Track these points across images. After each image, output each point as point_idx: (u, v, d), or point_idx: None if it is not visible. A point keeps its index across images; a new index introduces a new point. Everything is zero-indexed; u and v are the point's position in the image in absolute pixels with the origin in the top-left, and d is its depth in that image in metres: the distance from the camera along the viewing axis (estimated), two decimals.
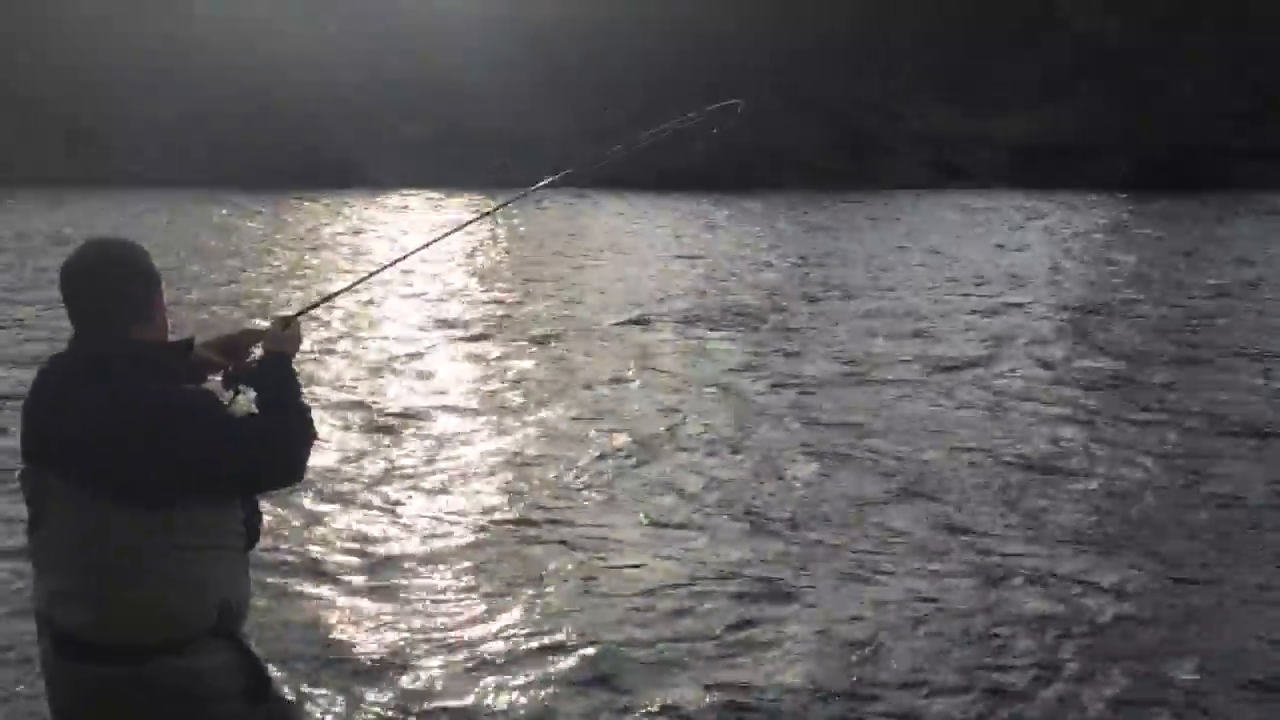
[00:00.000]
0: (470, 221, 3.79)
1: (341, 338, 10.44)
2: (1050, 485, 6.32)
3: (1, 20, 32.17)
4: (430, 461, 6.77)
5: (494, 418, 7.67)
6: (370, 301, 12.24)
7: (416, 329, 10.89)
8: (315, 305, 3.05)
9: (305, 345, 2.74)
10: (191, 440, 2.21)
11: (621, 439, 7.16)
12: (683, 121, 3.74)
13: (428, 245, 3.47)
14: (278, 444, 2.35)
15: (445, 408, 7.96)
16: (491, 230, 20.21)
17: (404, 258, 3.48)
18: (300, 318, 2.61)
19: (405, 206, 24.63)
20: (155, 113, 29.70)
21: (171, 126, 29.58)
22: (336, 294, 3.35)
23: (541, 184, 3.65)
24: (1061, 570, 5.11)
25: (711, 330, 10.90)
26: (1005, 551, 5.33)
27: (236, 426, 2.32)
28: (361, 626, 4.55)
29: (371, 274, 3.34)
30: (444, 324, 11.12)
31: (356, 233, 19.72)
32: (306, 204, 24.02)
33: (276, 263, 15.38)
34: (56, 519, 2.24)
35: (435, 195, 27.04)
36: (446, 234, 3.50)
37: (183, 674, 2.28)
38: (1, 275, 14.20)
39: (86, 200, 23.85)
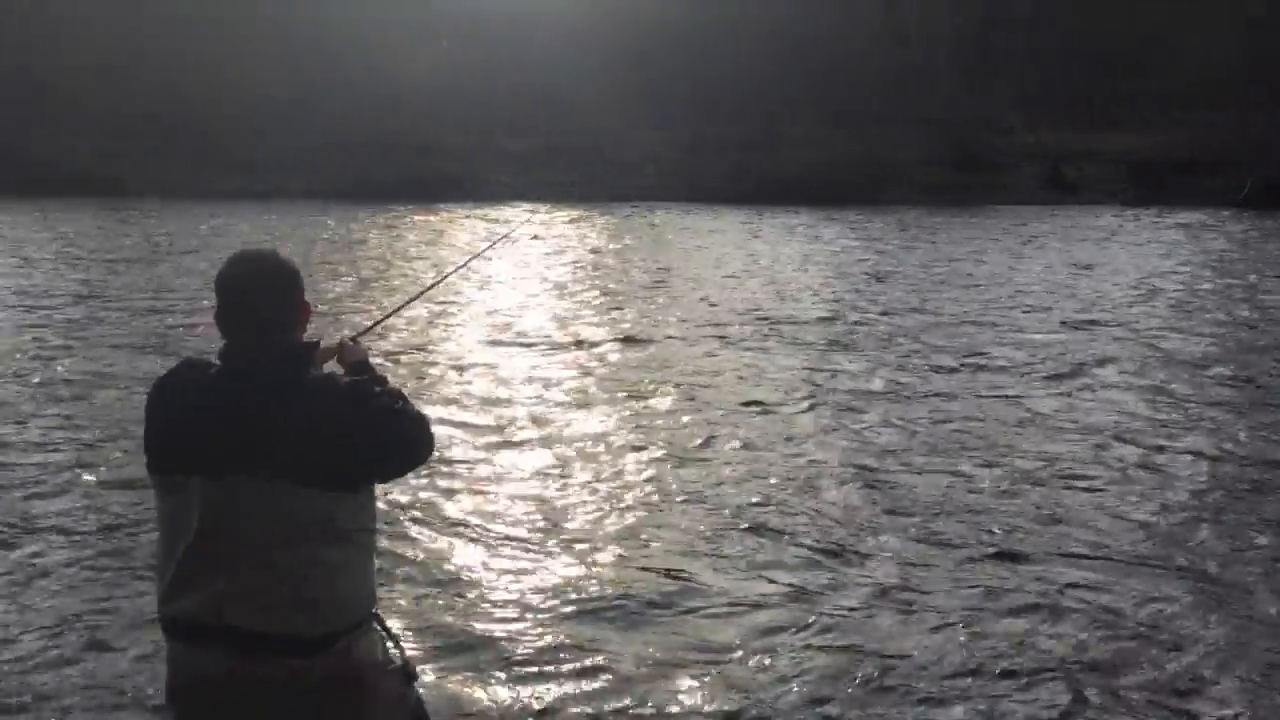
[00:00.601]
0: (490, 247, 4.07)
1: (408, 351, 10.51)
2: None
3: (156, 54, 33.95)
4: (473, 468, 6.73)
5: (529, 430, 7.53)
6: (443, 313, 12.38)
7: (480, 341, 10.85)
8: (371, 327, 3.14)
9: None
10: (381, 424, 2.34)
11: (660, 450, 7.03)
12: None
13: (465, 264, 3.84)
14: (427, 431, 2.48)
15: (498, 417, 7.87)
16: (582, 240, 20.50)
17: (440, 280, 3.66)
18: (362, 337, 2.74)
19: (503, 219, 25.13)
20: (293, 131, 31.07)
21: (304, 144, 30.77)
22: (387, 316, 3.37)
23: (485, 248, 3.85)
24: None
25: (797, 345, 10.67)
26: (1062, 580, 5.10)
27: (406, 413, 2.42)
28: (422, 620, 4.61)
29: (418, 294, 3.48)
30: (505, 336, 11.06)
31: (430, 244, 20.04)
32: (416, 216, 24.56)
33: (365, 273, 15.61)
34: (237, 519, 2.28)
35: (539, 207, 27.32)
36: (479, 254, 3.87)
37: (354, 660, 2.37)
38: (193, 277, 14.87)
39: (229, 210, 25.07)
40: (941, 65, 36.57)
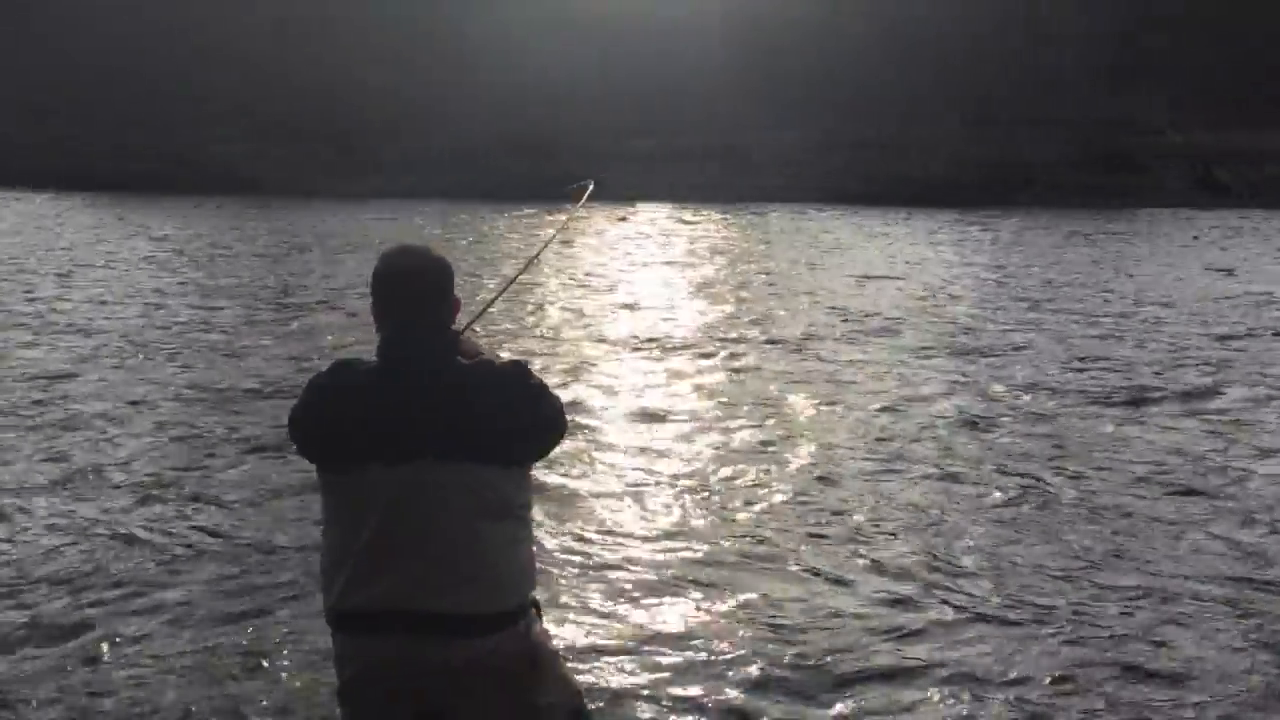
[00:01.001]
0: (538, 252, 3.80)
1: (543, 345, 10.52)
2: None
3: (297, 56, 35.18)
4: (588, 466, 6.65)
5: (647, 428, 7.46)
6: (576, 313, 12.36)
7: (609, 341, 10.74)
8: (471, 322, 3.15)
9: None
10: (541, 401, 2.45)
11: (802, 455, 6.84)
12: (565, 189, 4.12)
13: (529, 264, 3.71)
14: (563, 410, 2.57)
15: (612, 417, 7.77)
16: (708, 240, 20.36)
17: (513, 280, 3.64)
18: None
19: (625, 218, 25.13)
20: (425, 133, 31.88)
21: (436, 146, 31.46)
22: (483, 311, 3.35)
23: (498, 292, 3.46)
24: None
25: (917, 352, 10.29)
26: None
27: (549, 391, 2.52)
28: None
29: (505, 287, 3.49)
30: (633, 337, 10.95)
31: (566, 244, 20.19)
32: (545, 216, 24.84)
33: (506, 270, 15.66)
34: (418, 504, 2.34)
35: (664, 206, 27.42)
36: (533, 257, 3.72)
37: (530, 640, 2.46)
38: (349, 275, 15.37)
39: (363, 210, 25.68)
40: (1082, 65, 35.38)
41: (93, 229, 21.46)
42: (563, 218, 3.93)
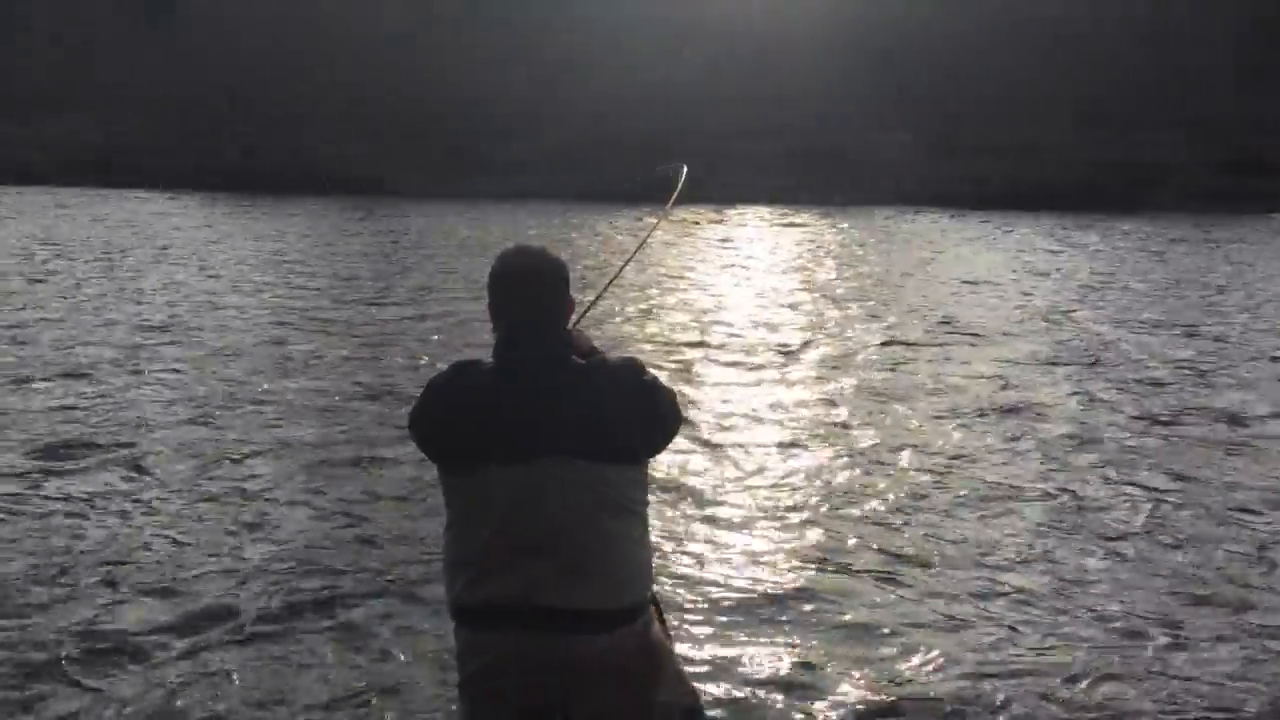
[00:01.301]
0: (635, 252, 3.81)
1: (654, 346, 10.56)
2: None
3: (416, 58, 36.02)
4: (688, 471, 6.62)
5: (743, 435, 7.38)
6: (685, 317, 12.40)
7: (720, 343, 10.73)
8: (574, 322, 3.16)
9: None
10: (658, 398, 2.48)
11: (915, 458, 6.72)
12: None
13: (623, 267, 3.70)
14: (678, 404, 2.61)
15: (715, 424, 7.71)
16: (811, 243, 20.17)
17: (614, 277, 3.72)
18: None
19: (725, 220, 25.02)
20: (537, 134, 32.39)
21: (547, 147, 31.95)
22: (586, 310, 3.37)
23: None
24: None
25: (1038, 364, 10.00)
26: None
27: (664, 386, 2.56)
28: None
29: (599, 295, 3.49)
30: (724, 339, 10.92)
31: (669, 246, 20.13)
32: (644, 216, 24.72)
33: (589, 275, 15.82)
34: (541, 502, 2.37)
35: (767, 209, 27.18)
36: (627, 262, 3.71)
37: (651, 637, 2.50)
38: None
39: (478, 210, 26.17)
40: (1209, 64, 34.09)
41: (210, 226, 22.11)
42: (659, 213, 3.93)
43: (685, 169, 3.98)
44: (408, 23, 37.26)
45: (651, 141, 30.50)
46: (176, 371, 9.02)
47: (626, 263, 3.58)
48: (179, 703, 3.82)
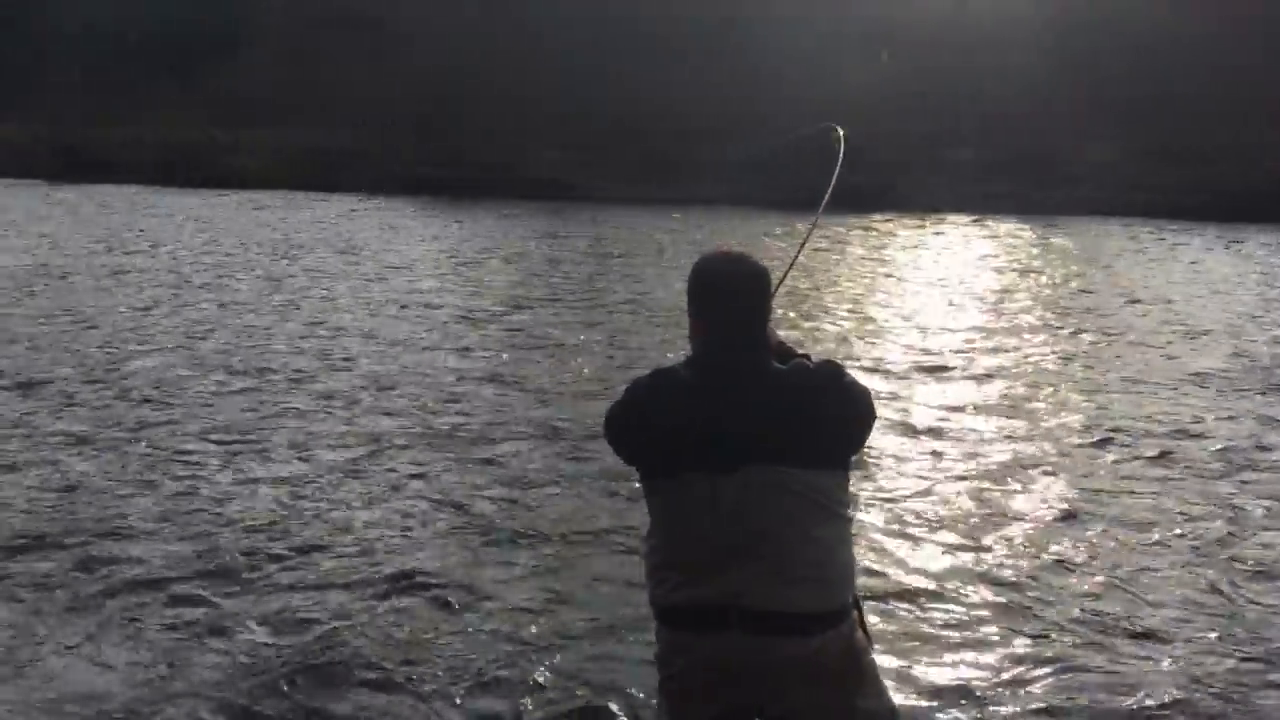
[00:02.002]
0: (795, 258, 3.61)
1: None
2: None
3: (610, 63, 36.57)
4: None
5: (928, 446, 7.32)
6: (881, 326, 12.25)
7: (909, 358, 10.44)
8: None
9: None
10: (862, 401, 2.54)
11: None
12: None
13: (787, 273, 3.48)
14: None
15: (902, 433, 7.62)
16: (1012, 253, 19.63)
17: (789, 268, 3.55)
18: None
19: (925, 227, 24.60)
20: (728, 141, 32.16)
21: (740, 153, 31.14)
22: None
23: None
24: None
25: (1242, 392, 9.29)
26: None
27: (859, 386, 2.58)
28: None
29: (776, 286, 3.02)
30: (913, 350, 10.72)
31: (867, 256, 19.75)
32: (841, 223, 24.28)
33: (816, 279, 15.56)
34: (748, 508, 2.40)
35: (970, 218, 26.50)
36: (788, 269, 3.50)
37: (856, 640, 2.52)
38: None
39: (665, 215, 26.36)
40: None
41: (410, 229, 22.56)
42: (828, 183, 3.50)
43: (842, 132, 3.76)
44: (604, 29, 37.74)
45: (850, 149, 29.62)
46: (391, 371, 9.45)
47: (795, 259, 3.51)
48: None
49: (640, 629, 4.23)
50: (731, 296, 2.50)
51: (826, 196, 3.51)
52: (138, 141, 37.43)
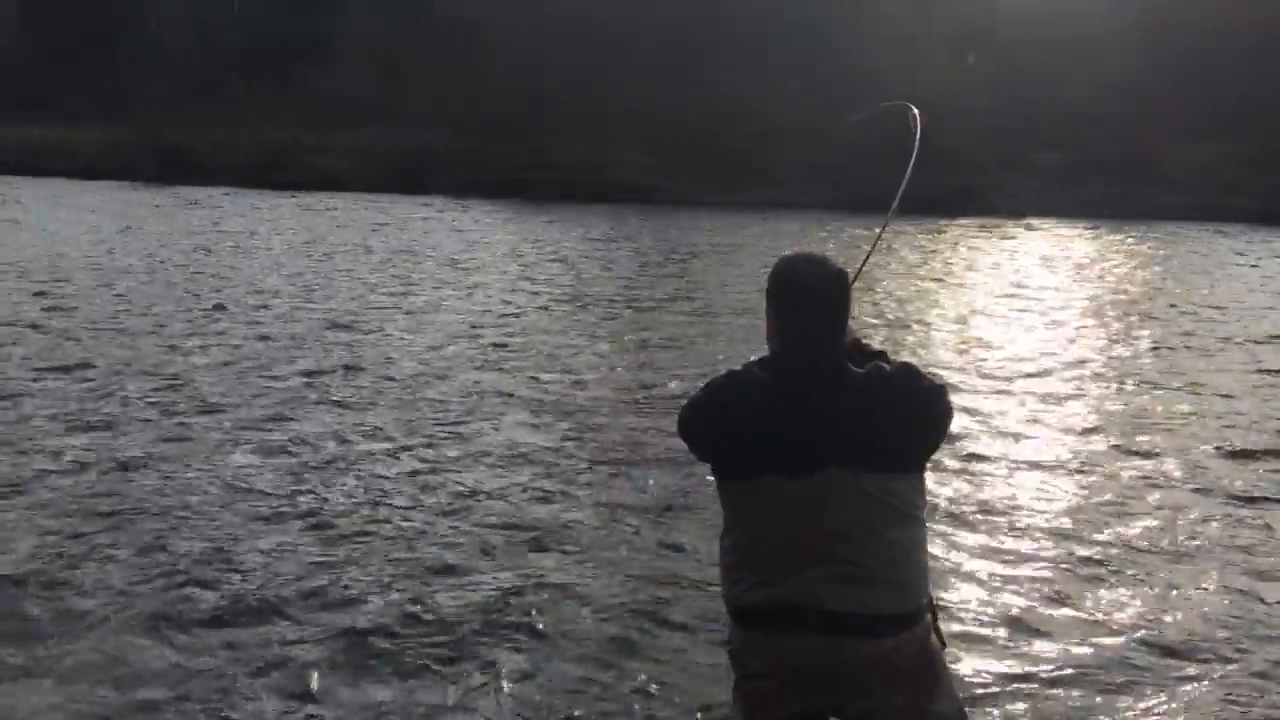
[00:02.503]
0: (867, 257, 3.47)
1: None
2: None
3: (692, 67, 36.69)
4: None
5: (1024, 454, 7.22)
6: (975, 336, 12.09)
7: (975, 363, 10.33)
8: None
9: None
10: (941, 404, 2.51)
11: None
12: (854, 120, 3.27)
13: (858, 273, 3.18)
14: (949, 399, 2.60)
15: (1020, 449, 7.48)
16: (1108, 260, 19.20)
17: (864, 263, 3.42)
18: None
19: (1017, 235, 24.03)
20: (814, 144, 31.90)
21: (825, 159, 31.53)
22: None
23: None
24: None
25: None
26: None
27: (935, 386, 2.55)
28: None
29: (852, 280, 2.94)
30: (1004, 360, 10.47)
31: (948, 261, 19.46)
32: (931, 227, 24.06)
33: (890, 284, 15.52)
34: (824, 511, 2.40)
35: (1064, 223, 26.00)
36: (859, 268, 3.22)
37: (930, 643, 2.52)
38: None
39: (750, 218, 26.38)
40: None
41: (493, 232, 22.94)
42: (904, 169, 3.35)
43: (917, 111, 3.67)
44: (689, 32, 37.93)
45: (940, 152, 28.32)
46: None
47: (872, 249, 3.47)
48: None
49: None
50: (811, 298, 2.49)
51: (906, 176, 3.40)
52: (232, 145, 38.50)
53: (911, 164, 3.42)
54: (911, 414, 2.46)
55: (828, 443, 2.41)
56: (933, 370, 9.35)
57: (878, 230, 3.35)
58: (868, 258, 3.42)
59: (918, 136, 3.53)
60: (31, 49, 53.40)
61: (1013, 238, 23.42)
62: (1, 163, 38.36)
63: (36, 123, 42.99)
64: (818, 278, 2.50)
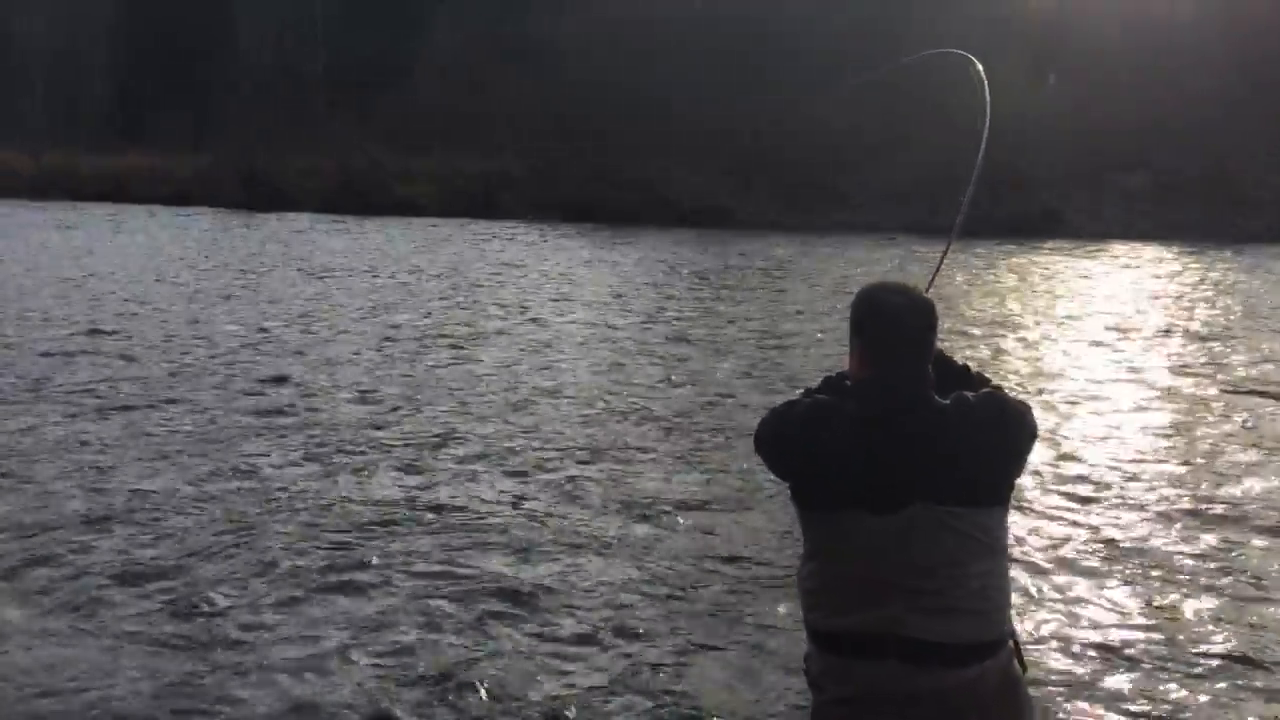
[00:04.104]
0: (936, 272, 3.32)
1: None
2: None
3: (759, 90, 36.77)
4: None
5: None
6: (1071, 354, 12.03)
7: (1054, 391, 10.19)
8: None
9: None
10: (1026, 430, 2.50)
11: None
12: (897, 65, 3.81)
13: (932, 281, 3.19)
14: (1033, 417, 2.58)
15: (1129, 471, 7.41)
16: (1190, 285, 18.86)
17: (937, 269, 3.37)
18: None
19: (1110, 261, 23.52)
20: (879, 169, 32.35)
21: (897, 179, 31.71)
22: None
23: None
24: None
25: None
26: None
27: (1020, 408, 2.53)
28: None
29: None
30: (1079, 390, 10.27)
31: (1023, 284, 19.20)
32: (1015, 258, 23.92)
33: (968, 309, 15.38)
34: (908, 543, 2.39)
35: (1144, 246, 25.58)
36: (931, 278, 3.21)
37: (1013, 672, 2.51)
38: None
39: (832, 242, 26.47)
40: None
41: (567, 254, 23.07)
42: (978, 128, 3.33)
43: (980, 65, 3.54)
44: (762, 58, 37.96)
45: (1014, 173, 28.17)
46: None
47: (942, 257, 3.38)
48: None
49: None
50: (903, 330, 2.47)
51: (981, 150, 3.37)
52: (315, 171, 39.40)
53: (985, 132, 3.36)
54: (997, 447, 2.45)
55: (914, 479, 2.39)
56: (1015, 389, 9.28)
57: (951, 232, 3.33)
58: (939, 268, 3.37)
59: (987, 92, 3.41)
60: (124, 80, 55.37)
61: (1098, 262, 23.06)
62: (95, 190, 39.72)
63: (132, 151, 44.43)
64: (909, 308, 2.49)
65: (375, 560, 5.70)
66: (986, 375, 2.75)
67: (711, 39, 39.41)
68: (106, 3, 55.00)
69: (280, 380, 10.22)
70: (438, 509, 6.57)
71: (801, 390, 2.65)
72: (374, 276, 19.07)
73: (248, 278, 18.60)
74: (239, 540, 5.96)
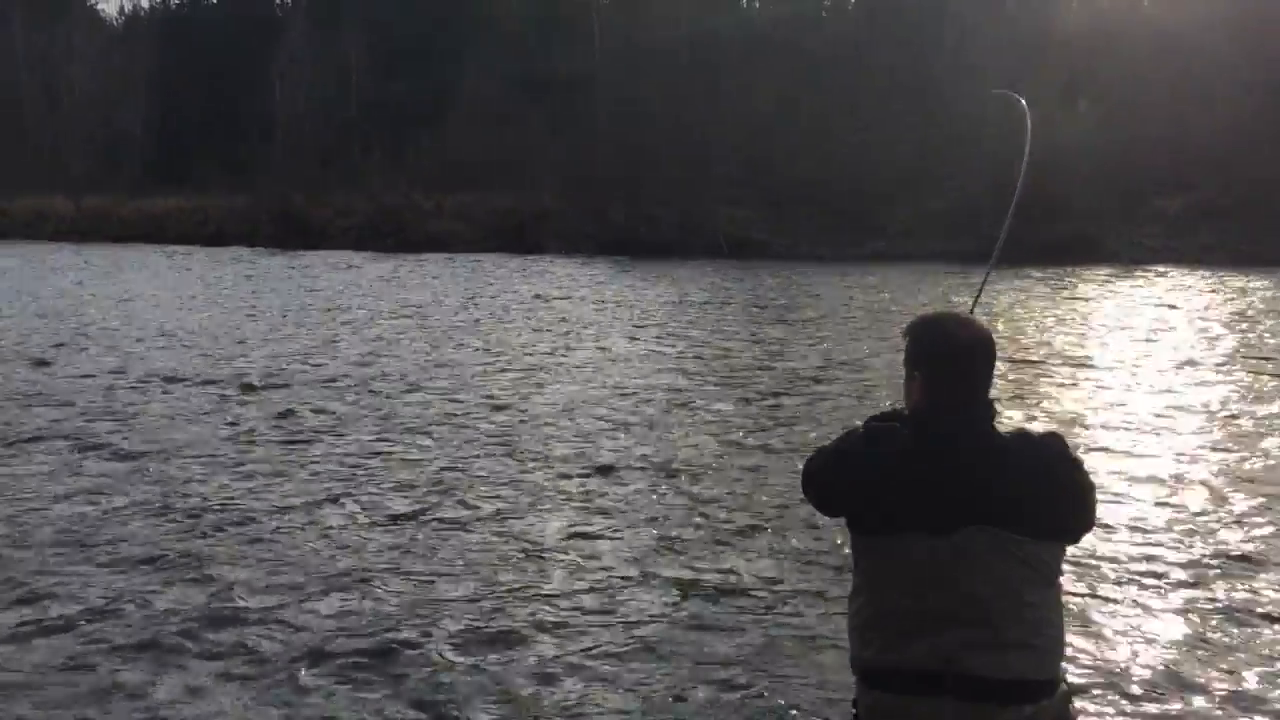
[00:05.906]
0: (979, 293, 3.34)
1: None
2: None
3: (796, 122, 37.36)
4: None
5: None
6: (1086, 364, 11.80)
7: (1099, 422, 9.93)
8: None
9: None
10: (1088, 482, 2.48)
11: None
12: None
13: (976, 297, 3.33)
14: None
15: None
16: (1231, 312, 18.70)
17: (983, 285, 3.40)
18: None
19: (1149, 287, 23.34)
20: (922, 196, 32.52)
21: (933, 209, 31.85)
22: None
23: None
24: None
25: None
26: None
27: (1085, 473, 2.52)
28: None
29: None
30: (1122, 420, 9.98)
31: (1064, 306, 19.12)
32: (1053, 282, 23.79)
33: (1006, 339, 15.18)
34: (962, 572, 2.36)
35: (1188, 272, 25.28)
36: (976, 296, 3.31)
37: (1065, 709, 2.48)
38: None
39: (864, 272, 26.34)
40: None
41: (607, 287, 23.02)
42: (1019, 162, 3.37)
43: (1024, 102, 3.58)
44: (798, 88, 38.25)
45: (1052, 200, 27.53)
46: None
47: (989, 272, 3.36)
48: None
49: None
50: (964, 360, 2.48)
51: (1021, 176, 3.35)
52: (348, 209, 39.91)
53: (1026, 158, 3.34)
54: (1061, 484, 2.42)
55: (973, 502, 2.37)
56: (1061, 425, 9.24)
57: (992, 257, 3.27)
58: (980, 293, 3.37)
59: (1029, 128, 3.40)
60: (162, 126, 56.42)
61: (1134, 287, 22.92)
62: (136, 232, 40.52)
63: (172, 193, 45.32)
64: (965, 339, 2.50)
65: None
66: (1053, 429, 2.75)
67: (745, 70, 39.77)
68: (149, 54, 56.23)
69: None
70: None
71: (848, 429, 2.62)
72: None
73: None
74: None
